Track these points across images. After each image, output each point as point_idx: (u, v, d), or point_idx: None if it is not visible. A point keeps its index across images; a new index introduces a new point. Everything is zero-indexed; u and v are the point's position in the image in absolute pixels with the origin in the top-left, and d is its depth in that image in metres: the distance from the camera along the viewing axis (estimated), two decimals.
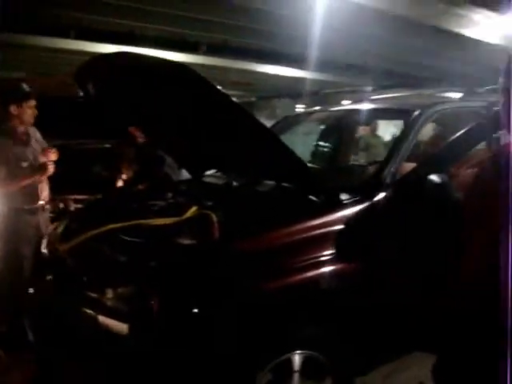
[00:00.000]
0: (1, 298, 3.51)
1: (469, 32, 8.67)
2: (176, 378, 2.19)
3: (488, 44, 9.03)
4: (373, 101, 4.13)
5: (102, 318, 2.29)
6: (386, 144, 8.01)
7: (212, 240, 2.38)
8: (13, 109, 3.46)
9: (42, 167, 3.56)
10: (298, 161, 2.61)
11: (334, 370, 2.43)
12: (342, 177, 3.41)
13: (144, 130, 3.66)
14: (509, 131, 1.84)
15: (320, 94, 14.00)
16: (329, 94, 14.00)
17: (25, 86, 3.55)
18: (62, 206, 4.31)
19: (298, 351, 2.31)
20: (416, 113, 3.07)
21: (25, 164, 3.51)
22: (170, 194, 3.32)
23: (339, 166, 4.01)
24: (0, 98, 3.53)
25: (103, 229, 2.56)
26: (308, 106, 14.60)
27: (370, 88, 13.17)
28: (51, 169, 3.56)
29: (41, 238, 3.51)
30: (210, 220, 2.42)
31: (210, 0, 7.67)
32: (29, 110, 3.54)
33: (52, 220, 3.92)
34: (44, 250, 3.22)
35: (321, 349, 2.38)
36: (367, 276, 2.53)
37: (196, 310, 2.16)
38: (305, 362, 2.32)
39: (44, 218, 3.71)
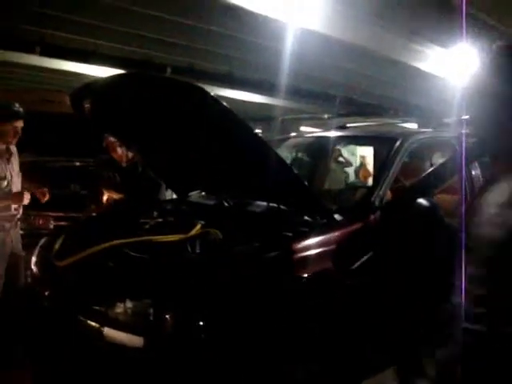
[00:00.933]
0: None
1: (423, 66, 9.20)
2: None
3: (437, 77, 9.60)
4: (347, 128, 4.37)
5: (108, 331, 2.34)
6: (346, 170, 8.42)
7: (219, 256, 2.48)
8: None
9: (19, 197, 3.57)
10: (300, 182, 2.76)
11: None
12: (328, 199, 3.59)
13: (135, 148, 3.72)
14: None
15: (281, 120, 14.30)
16: (289, 120, 14.34)
17: (14, 106, 3.57)
18: (41, 222, 4.28)
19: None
20: (399, 141, 3.31)
21: (4, 183, 3.53)
22: (161, 213, 3.39)
23: (326, 189, 4.20)
24: None
25: (109, 244, 2.60)
26: (267, 131, 14.95)
27: (326, 115, 13.63)
28: (27, 200, 3.57)
29: (15, 254, 3.56)
30: (216, 237, 2.52)
31: (176, 23, 7.80)
32: (12, 130, 3.55)
33: (25, 236, 3.89)
34: (33, 267, 3.22)
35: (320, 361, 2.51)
36: (362, 292, 2.70)
37: (201, 323, 2.25)
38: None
39: (16, 234, 3.69)
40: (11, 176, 3.60)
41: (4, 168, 3.57)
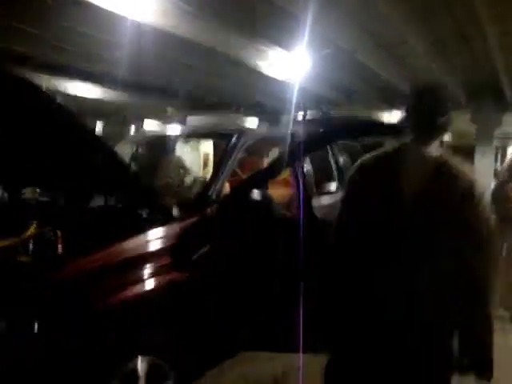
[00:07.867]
0: None
1: (263, 66, 9.60)
2: None
3: (275, 78, 10.11)
4: (188, 124, 4.44)
5: None
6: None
7: (56, 256, 2.38)
8: None
9: None
10: (132, 177, 2.74)
11: (175, 375, 2.60)
12: (169, 194, 3.62)
13: None
14: None
15: (121, 115, 13.94)
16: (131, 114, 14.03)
17: None
18: None
19: (141, 358, 2.44)
20: (235, 137, 3.45)
21: None
22: None
23: (167, 184, 4.22)
24: None
25: None
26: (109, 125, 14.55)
27: (169, 109, 13.60)
28: None
29: None
30: (55, 236, 2.41)
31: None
32: None
33: None
34: None
35: (163, 355, 2.54)
36: (200, 283, 2.78)
37: (37, 326, 2.16)
38: (149, 368, 2.46)
39: None
40: None
41: None
